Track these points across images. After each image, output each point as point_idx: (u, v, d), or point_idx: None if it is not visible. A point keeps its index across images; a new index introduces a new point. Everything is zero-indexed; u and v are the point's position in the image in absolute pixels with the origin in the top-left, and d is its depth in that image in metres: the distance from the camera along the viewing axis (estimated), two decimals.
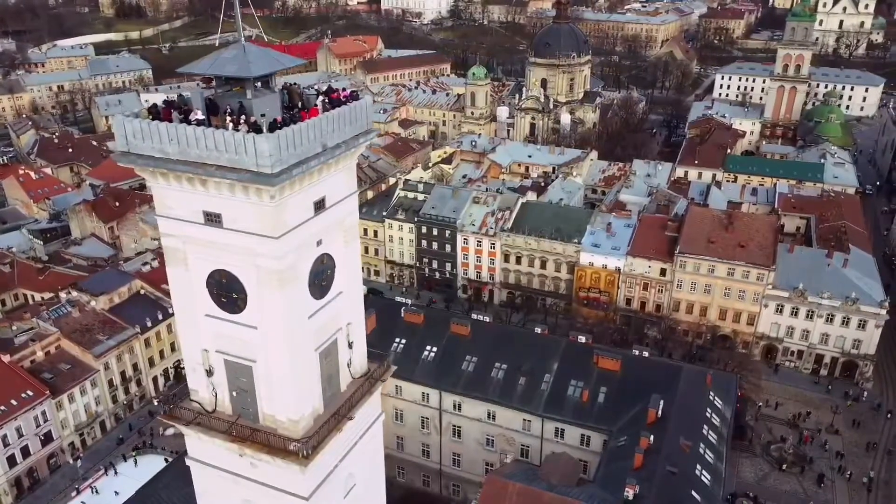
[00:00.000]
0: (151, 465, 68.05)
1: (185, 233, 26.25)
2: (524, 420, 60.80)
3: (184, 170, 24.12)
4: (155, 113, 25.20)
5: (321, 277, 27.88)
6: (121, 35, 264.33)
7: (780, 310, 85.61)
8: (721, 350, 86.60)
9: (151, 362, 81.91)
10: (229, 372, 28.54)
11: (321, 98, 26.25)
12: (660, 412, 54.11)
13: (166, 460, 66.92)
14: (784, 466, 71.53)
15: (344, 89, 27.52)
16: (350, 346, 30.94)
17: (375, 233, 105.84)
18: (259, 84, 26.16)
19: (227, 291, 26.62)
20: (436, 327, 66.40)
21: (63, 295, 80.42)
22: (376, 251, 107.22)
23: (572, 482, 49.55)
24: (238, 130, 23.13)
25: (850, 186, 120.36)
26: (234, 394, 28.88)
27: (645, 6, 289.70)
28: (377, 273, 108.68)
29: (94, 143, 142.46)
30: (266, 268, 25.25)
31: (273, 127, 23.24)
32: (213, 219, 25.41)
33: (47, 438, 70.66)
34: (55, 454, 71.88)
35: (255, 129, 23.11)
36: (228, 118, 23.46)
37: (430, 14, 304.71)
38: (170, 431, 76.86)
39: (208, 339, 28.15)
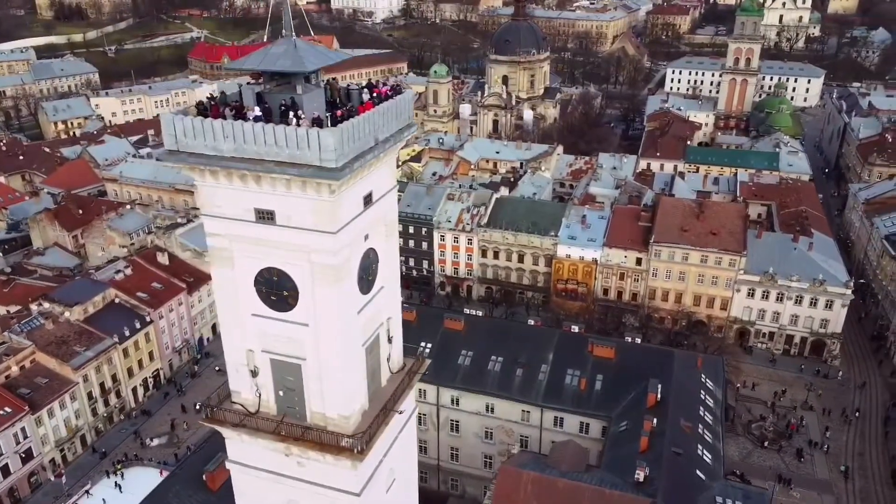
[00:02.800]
0: (139, 477, 66.47)
1: (234, 231, 25.87)
2: (523, 411, 61.51)
3: (240, 167, 23.81)
4: (202, 111, 24.76)
5: (368, 272, 27.90)
6: (63, 38, 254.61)
7: (751, 294, 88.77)
8: (697, 335, 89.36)
9: (130, 372, 79.77)
10: (275, 371, 28.25)
11: (367, 93, 26.21)
12: (658, 396, 55.62)
13: (161, 472, 65.51)
14: (765, 444, 74.36)
15: (384, 84, 27.52)
16: (389, 340, 31.03)
17: None
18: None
19: (278, 289, 26.37)
20: (429, 323, 66.42)
21: (34, 307, 77.45)
22: None
23: (581, 468, 50.41)
24: (300, 125, 22.96)
25: (804, 174, 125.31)
26: (281, 393, 28.60)
27: (593, 3, 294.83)
28: None
29: (47, 149, 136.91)
30: (322, 263, 25.12)
31: (334, 121, 23.18)
32: (265, 216, 25.14)
33: (28, 456, 68.02)
34: (36, 472, 69.26)
35: (317, 123, 23.01)
36: (292, 114, 23.25)
37: (381, 13, 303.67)
38: (155, 442, 75.27)
39: (254, 338, 27.80)
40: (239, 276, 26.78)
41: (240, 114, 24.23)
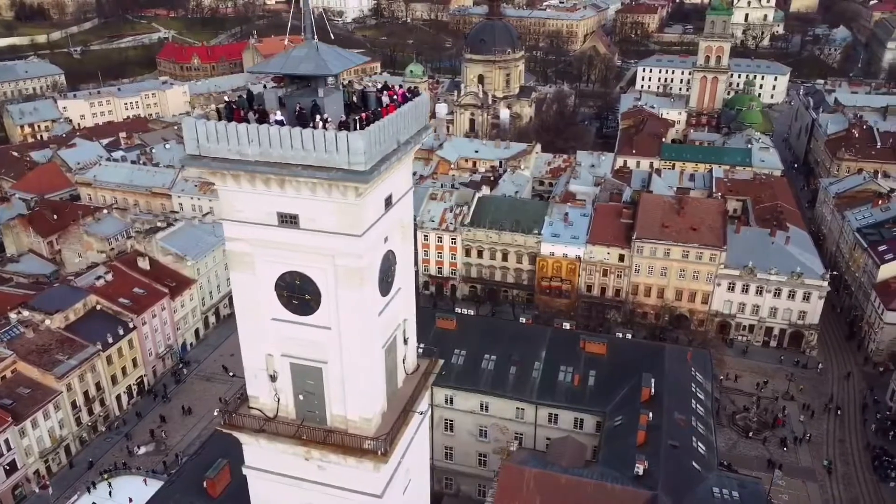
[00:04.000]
0: (127, 487, 65.52)
1: (255, 236, 25.69)
2: (517, 408, 61.95)
3: (265, 171, 23.66)
4: (224, 114, 24.56)
5: (387, 274, 27.94)
6: (25, 39, 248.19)
7: (731, 287, 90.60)
8: (679, 329, 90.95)
9: (114, 380, 78.37)
10: (295, 375, 28.13)
11: (385, 95, 26.24)
12: (652, 390, 56.49)
13: (145, 482, 64.73)
14: (750, 434, 76.03)
15: (400, 86, 27.58)
16: (405, 341, 31.16)
17: None
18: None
19: (300, 293, 26.25)
20: (421, 323, 65.95)
21: (13, 315, 75.53)
22: None
23: (581, 464, 51.07)
24: (326, 129, 22.94)
25: (776, 169, 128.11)
26: (301, 397, 28.49)
27: (563, 2, 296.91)
28: None
29: (15, 153, 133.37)
30: (346, 266, 25.10)
31: (359, 124, 23.19)
32: (288, 220, 25.02)
33: (12, 468, 66.44)
34: (20, 484, 67.69)
35: (344, 126, 23.01)
36: (318, 117, 23.20)
37: (351, 13, 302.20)
38: (142, 450, 74.09)
39: (274, 343, 27.64)
40: (259, 281, 26.60)
41: (263, 117, 24.11)
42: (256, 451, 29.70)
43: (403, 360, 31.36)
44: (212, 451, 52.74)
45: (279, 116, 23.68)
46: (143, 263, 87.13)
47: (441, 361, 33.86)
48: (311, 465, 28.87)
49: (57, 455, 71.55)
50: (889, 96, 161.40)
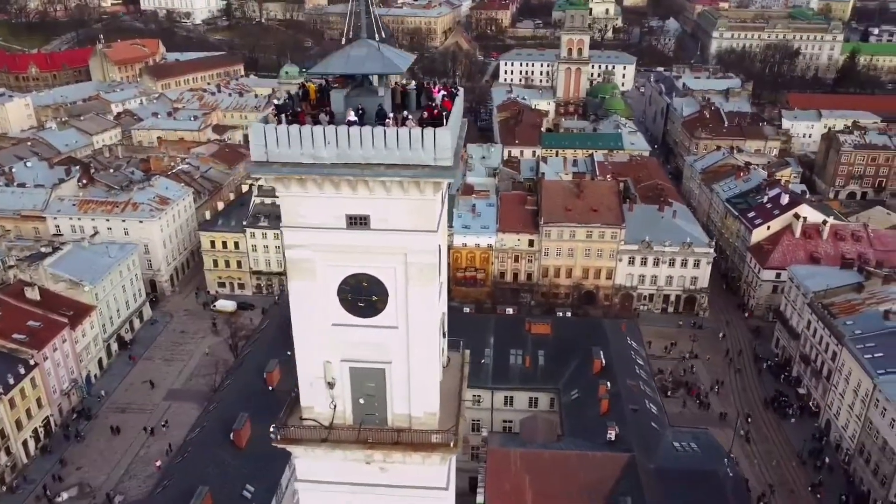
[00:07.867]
0: None
1: (320, 241, 24.96)
2: (473, 396, 63.49)
3: (343, 173, 23.19)
4: (286, 118, 23.76)
5: (439, 269, 28.22)
6: None
7: (632, 261, 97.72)
8: (589, 305, 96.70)
9: (19, 425, 70.66)
10: (355, 380, 27.63)
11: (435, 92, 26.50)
12: (603, 362, 60.26)
13: None
14: (668, 393, 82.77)
15: (434, 83, 27.88)
16: (444, 335, 31.53)
17: (236, 244, 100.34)
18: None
19: (367, 295, 25.88)
20: None
21: None
22: (239, 263, 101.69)
23: (554, 438, 53.59)
24: (405, 126, 22.98)
25: (644, 150, 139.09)
26: (361, 401, 28.06)
27: (417, 0, 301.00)
28: (242, 286, 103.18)
29: None
30: (420, 263, 25.11)
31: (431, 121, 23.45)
32: (358, 221, 24.62)
33: None
34: None
35: (423, 123, 23.19)
36: (391, 115, 23.22)
37: (200, 14, 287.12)
38: (65, 496, 67.70)
39: (334, 349, 26.99)
40: (320, 287, 25.87)
41: (332, 118, 23.62)
42: (310, 464, 28.84)
43: (442, 353, 31.69)
44: (180, 480, 49.91)
45: (353, 117, 23.30)
46: (33, 294, 79.11)
47: (468, 352, 34.42)
48: (372, 469, 28.53)
49: None
50: (726, 80, 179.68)
